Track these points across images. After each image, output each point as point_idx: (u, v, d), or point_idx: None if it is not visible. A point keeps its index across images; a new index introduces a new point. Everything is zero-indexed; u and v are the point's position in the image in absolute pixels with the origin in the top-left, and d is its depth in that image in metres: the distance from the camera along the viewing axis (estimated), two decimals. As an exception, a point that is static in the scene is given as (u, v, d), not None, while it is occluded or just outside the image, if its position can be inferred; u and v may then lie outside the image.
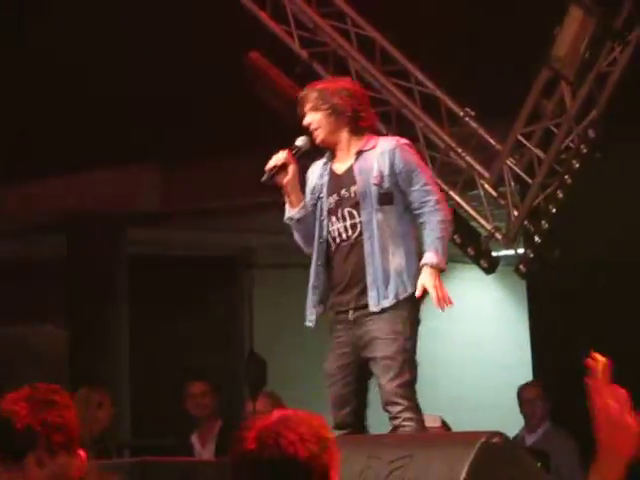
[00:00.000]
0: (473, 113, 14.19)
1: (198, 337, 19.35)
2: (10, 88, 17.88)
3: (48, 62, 17.69)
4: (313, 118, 9.57)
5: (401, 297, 9.17)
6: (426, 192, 9.41)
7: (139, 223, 18.72)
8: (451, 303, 9.34)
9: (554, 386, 14.45)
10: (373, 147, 9.53)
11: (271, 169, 9.42)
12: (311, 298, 9.58)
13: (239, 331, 19.94)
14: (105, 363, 17.43)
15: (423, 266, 9.22)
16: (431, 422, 11.82)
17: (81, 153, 17.15)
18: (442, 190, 11.78)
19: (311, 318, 9.52)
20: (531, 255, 14.15)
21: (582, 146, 13.60)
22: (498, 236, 14.31)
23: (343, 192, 9.37)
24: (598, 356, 3.99)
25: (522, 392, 14.19)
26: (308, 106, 9.68)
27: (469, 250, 14.25)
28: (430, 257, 9.19)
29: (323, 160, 9.71)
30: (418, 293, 9.12)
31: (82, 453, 5.59)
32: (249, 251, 19.63)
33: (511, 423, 13.96)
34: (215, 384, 15.10)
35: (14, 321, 19.33)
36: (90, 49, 17.33)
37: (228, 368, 18.70)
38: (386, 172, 9.32)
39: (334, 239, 9.39)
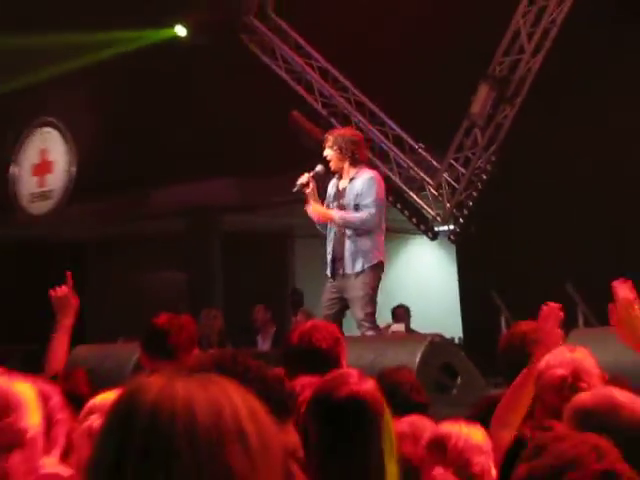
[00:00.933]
0: (423, 146, 17.05)
1: (262, 279, 20.52)
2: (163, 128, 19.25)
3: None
4: (328, 153, 11.19)
5: (366, 266, 11.15)
6: (365, 206, 11.05)
7: (228, 212, 20.76)
8: (316, 219, 11.36)
9: (473, 309, 16.99)
10: (359, 176, 11.19)
11: (300, 185, 11.17)
12: (327, 258, 11.40)
13: (286, 275, 21.86)
14: (209, 294, 19.62)
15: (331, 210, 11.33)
16: (398, 328, 15.03)
17: (197, 169, 18.97)
18: (396, 192, 15.77)
19: (327, 270, 11.42)
20: (457, 230, 16.96)
21: (487, 166, 16.35)
22: (438, 219, 17.18)
23: (340, 201, 11.21)
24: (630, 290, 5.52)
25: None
26: (327, 144, 11.24)
27: (421, 227, 17.38)
28: (336, 213, 11.14)
29: (336, 177, 11.44)
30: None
31: (196, 350, 6.97)
32: (290, 227, 21.19)
33: (446, 330, 14.75)
34: (268, 305, 17.33)
35: (156, 269, 22.24)
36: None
37: (281, 297, 19.98)
38: (359, 193, 11.10)
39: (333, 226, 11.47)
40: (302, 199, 11.39)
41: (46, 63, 19.88)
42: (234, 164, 18.55)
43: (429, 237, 17.75)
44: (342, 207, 11.20)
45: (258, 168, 18.20)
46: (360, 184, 11.10)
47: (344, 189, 11.15)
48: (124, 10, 19.21)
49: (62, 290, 7.36)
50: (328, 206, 11.29)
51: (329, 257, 11.28)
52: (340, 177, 11.24)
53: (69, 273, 7.48)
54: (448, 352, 9.83)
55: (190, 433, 1.93)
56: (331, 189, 11.34)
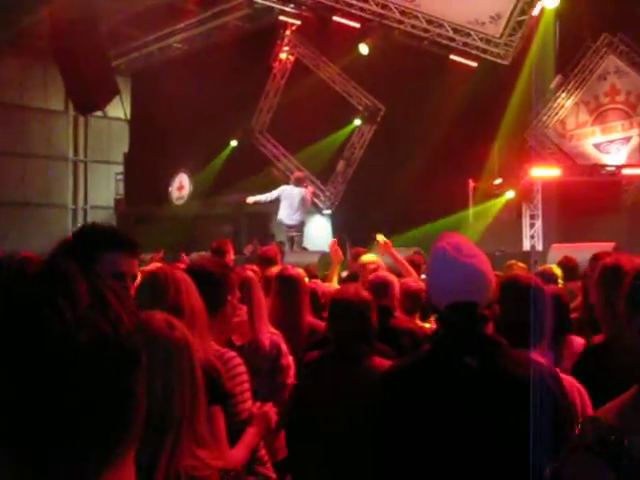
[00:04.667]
0: (319, 182, 19.10)
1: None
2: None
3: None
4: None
5: (299, 221, 12.27)
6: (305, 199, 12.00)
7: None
8: None
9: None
10: (302, 188, 12.35)
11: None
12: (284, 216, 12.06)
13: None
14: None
15: None
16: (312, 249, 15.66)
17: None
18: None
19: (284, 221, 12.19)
20: (330, 212, 19.26)
21: (342, 190, 19.28)
22: (325, 207, 19.63)
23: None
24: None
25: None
26: (295, 177, 12.57)
27: (318, 210, 19.33)
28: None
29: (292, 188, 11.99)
30: None
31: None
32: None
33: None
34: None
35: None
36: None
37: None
38: (302, 194, 12.25)
39: None
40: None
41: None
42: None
43: (322, 215, 20.08)
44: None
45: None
46: (302, 191, 12.53)
47: (293, 193, 12.41)
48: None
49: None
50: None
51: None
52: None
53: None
54: (325, 256, 10.71)
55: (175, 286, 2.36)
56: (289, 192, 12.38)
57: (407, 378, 2.14)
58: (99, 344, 0.74)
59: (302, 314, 4.44)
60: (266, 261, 6.11)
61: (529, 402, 1.93)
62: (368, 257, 6.05)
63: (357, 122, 19.11)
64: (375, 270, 5.42)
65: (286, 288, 4.45)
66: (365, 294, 3.58)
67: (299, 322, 4.38)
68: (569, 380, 2.20)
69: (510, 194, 14.75)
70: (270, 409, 2.86)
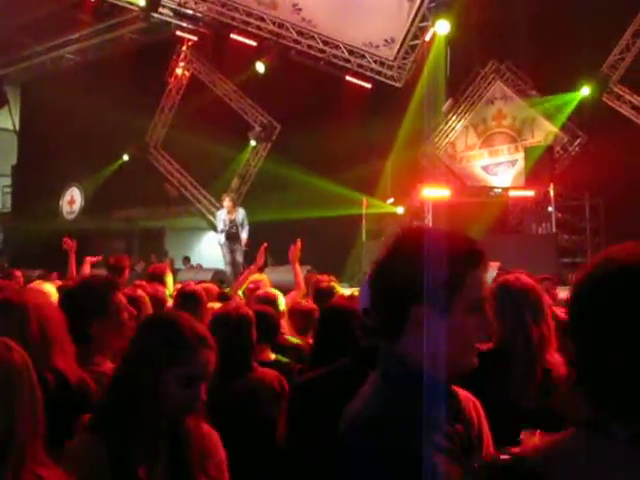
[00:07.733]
0: (216, 203, 18.31)
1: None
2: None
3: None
4: (228, 204, 11.76)
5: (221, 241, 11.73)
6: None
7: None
8: None
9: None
10: (239, 213, 11.91)
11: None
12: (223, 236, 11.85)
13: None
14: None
15: None
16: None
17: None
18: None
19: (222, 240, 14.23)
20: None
21: (243, 186, 17.63)
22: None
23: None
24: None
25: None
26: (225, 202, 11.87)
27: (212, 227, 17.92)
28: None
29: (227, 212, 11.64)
30: None
31: None
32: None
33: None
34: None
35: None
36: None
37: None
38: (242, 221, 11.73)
39: None
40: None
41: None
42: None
43: (215, 232, 16.56)
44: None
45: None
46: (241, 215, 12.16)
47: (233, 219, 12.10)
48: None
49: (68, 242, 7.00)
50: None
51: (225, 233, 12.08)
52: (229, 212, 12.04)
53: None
54: (222, 273, 11.79)
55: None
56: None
57: (313, 390, 2.13)
58: None
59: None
60: (154, 278, 5.88)
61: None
62: (254, 276, 6.23)
63: (253, 143, 19.05)
64: (255, 289, 5.48)
65: (188, 304, 4.35)
66: (245, 309, 3.54)
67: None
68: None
69: (400, 210, 15.07)
70: None
